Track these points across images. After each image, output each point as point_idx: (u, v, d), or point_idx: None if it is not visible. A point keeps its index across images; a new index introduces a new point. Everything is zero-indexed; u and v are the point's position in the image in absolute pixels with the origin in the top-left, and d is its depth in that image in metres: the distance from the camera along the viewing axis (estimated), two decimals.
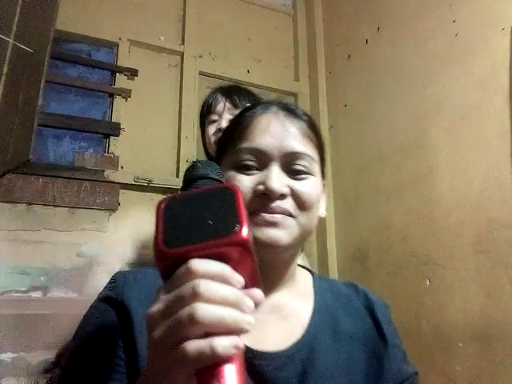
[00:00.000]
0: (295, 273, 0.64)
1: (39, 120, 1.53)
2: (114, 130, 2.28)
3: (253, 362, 0.54)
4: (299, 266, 0.67)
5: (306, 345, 0.57)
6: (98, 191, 2.10)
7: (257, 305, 0.34)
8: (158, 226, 0.34)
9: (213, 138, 1.26)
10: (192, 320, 0.29)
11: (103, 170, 2.16)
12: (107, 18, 2.43)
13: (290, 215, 0.55)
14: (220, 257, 0.32)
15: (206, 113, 1.30)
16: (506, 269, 1.57)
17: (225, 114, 1.27)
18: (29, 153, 1.45)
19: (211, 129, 1.28)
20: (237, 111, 1.26)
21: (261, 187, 0.55)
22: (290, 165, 0.58)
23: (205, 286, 0.30)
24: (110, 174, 2.16)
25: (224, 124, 1.25)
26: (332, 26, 2.91)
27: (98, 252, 2.01)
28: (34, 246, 1.92)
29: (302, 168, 0.58)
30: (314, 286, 0.66)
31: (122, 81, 2.38)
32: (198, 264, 0.31)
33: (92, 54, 2.47)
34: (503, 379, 1.52)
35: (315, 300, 0.63)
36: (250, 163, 0.57)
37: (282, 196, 0.55)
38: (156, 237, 0.34)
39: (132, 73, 2.41)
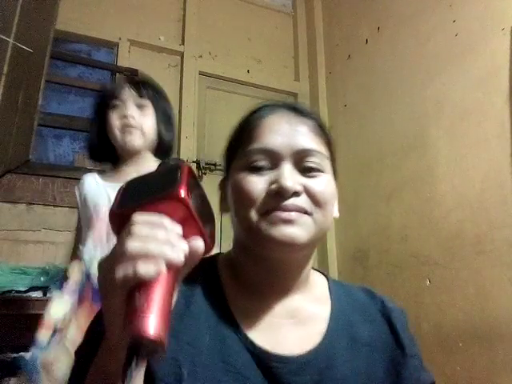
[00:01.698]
0: (310, 276, 0.63)
1: (39, 120, 1.53)
2: None
3: (268, 364, 0.54)
4: (313, 269, 0.66)
5: (324, 352, 0.57)
6: None
7: (197, 253, 0.40)
8: (116, 198, 0.42)
9: (117, 123, 1.23)
10: (122, 253, 0.36)
11: (103, 170, 2.16)
12: (107, 18, 2.43)
13: (306, 212, 0.55)
14: (160, 211, 0.39)
15: (108, 97, 1.26)
16: (506, 269, 1.57)
17: (129, 102, 1.25)
18: (29, 153, 1.45)
19: (114, 114, 1.24)
20: (141, 100, 1.25)
21: (274, 186, 0.54)
22: (302, 162, 0.57)
23: (136, 229, 0.37)
24: None
25: (130, 111, 1.23)
26: (332, 26, 2.91)
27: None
28: (34, 246, 1.92)
29: (314, 165, 0.57)
30: (330, 291, 0.65)
31: None
32: (138, 216, 0.38)
33: (92, 53, 2.47)
34: (503, 379, 1.52)
35: (332, 305, 0.62)
36: (262, 164, 0.57)
37: (296, 193, 0.54)
38: (111, 205, 0.41)
39: (132, 73, 2.40)
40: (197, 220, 0.41)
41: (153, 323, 0.34)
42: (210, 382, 0.51)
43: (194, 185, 0.42)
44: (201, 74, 2.64)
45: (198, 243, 0.40)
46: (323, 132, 0.62)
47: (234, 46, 2.81)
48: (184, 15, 2.66)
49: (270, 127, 0.59)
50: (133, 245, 0.37)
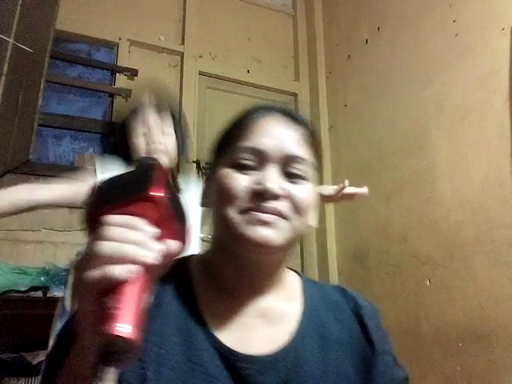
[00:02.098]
0: (284, 275, 0.63)
1: (39, 120, 1.53)
2: (114, 130, 2.28)
3: (235, 364, 0.54)
4: (288, 268, 0.66)
5: (292, 351, 0.57)
6: None
7: (172, 254, 0.41)
8: (90, 199, 0.42)
9: (142, 149, 1.29)
10: (95, 254, 0.37)
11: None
12: (107, 18, 2.43)
13: (284, 217, 0.55)
14: (135, 213, 0.39)
15: (137, 123, 1.32)
16: (506, 269, 1.57)
17: (155, 129, 1.31)
18: (29, 153, 1.45)
19: (141, 140, 1.30)
20: (165, 128, 1.31)
21: (257, 186, 0.55)
22: (288, 168, 0.58)
23: (110, 231, 0.38)
24: None
25: (156, 138, 1.29)
26: (332, 26, 2.91)
27: None
28: (34, 246, 1.92)
29: (300, 172, 0.58)
30: (303, 290, 0.65)
31: (121, 81, 2.38)
32: (112, 217, 0.38)
33: (92, 53, 2.47)
34: (503, 379, 1.52)
35: (304, 304, 0.62)
36: (248, 162, 0.57)
37: (277, 197, 0.55)
38: (86, 205, 0.41)
39: (132, 73, 2.41)
40: (171, 221, 0.41)
41: (125, 323, 0.35)
42: (176, 382, 0.51)
43: (169, 185, 0.42)
44: (201, 74, 2.64)
45: (172, 244, 0.41)
46: (314, 142, 0.62)
47: (234, 46, 2.81)
48: (184, 15, 2.66)
49: (263, 128, 0.59)
50: (105, 246, 0.37)
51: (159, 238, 0.40)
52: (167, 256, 0.40)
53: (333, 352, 0.59)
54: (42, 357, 1.66)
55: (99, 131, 2.29)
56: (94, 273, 0.37)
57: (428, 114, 2.01)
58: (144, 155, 1.32)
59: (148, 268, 0.38)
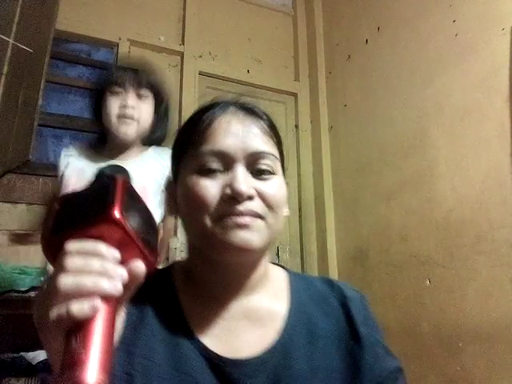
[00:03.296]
0: (268, 273, 0.62)
1: (39, 120, 1.53)
2: None
3: (223, 369, 0.53)
4: (272, 263, 0.65)
5: (280, 349, 0.56)
6: None
7: (137, 275, 0.38)
8: (48, 221, 0.39)
9: (115, 110, 1.22)
10: (54, 290, 0.34)
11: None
12: (107, 18, 2.43)
13: (259, 216, 0.54)
14: (95, 236, 0.37)
15: (110, 82, 1.26)
16: (506, 269, 1.57)
17: (130, 92, 1.25)
18: (29, 153, 1.45)
19: (114, 100, 1.23)
20: (142, 91, 1.26)
21: (228, 191, 0.53)
22: (254, 165, 0.56)
23: (69, 261, 0.35)
24: None
25: (130, 101, 1.22)
26: (332, 26, 2.91)
27: None
28: (33, 246, 1.92)
29: (267, 167, 0.57)
30: (290, 284, 0.64)
31: None
32: (71, 245, 0.36)
33: (92, 53, 2.47)
34: (503, 379, 1.52)
35: (291, 300, 0.61)
36: (214, 166, 0.55)
37: (250, 198, 0.54)
38: (44, 229, 0.39)
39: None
40: (135, 240, 0.38)
41: (91, 369, 0.32)
42: None
43: (131, 200, 0.40)
44: (201, 74, 2.64)
45: (138, 265, 0.38)
46: (274, 132, 0.61)
47: (233, 46, 2.81)
48: (184, 15, 2.66)
49: (221, 127, 0.57)
50: (65, 281, 0.35)
51: (123, 261, 0.38)
52: (134, 278, 0.38)
53: (321, 347, 0.58)
54: (41, 357, 1.66)
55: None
56: (55, 312, 0.34)
57: (428, 114, 2.01)
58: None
59: (113, 298, 0.36)
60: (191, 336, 0.55)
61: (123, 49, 2.44)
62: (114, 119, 1.24)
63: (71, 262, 0.35)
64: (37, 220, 1.95)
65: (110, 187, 0.39)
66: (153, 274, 0.59)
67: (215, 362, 0.53)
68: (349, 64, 2.67)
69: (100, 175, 0.45)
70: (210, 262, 0.57)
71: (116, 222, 0.36)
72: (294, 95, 2.95)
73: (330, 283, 0.66)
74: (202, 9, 2.73)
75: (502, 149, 1.64)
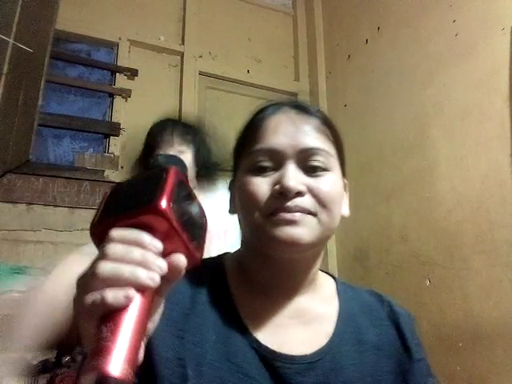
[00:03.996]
0: (318, 277, 0.63)
1: (39, 120, 1.53)
2: (114, 129, 2.28)
3: (274, 364, 0.53)
4: (321, 271, 0.65)
5: (330, 353, 0.56)
6: (97, 191, 2.10)
7: (178, 269, 0.38)
8: (99, 209, 0.39)
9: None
10: (93, 275, 0.34)
11: (103, 170, 2.16)
12: (107, 18, 2.43)
13: (310, 213, 0.54)
14: (141, 225, 0.36)
15: (154, 142, 1.39)
16: (506, 269, 1.57)
17: (170, 150, 1.37)
18: (29, 153, 1.45)
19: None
20: (181, 147, 1.37)
21: (277, 187, 0.54)
22: (306, 162, 0.56)
23: (111, 248, 0.35)
24: (110, 174, 2.16)
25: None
26: (332, 26, 2.91)
27: None
28: (34, 246, 1.92)
29: (319, 164, 0.57)
30: (338, 292, 0.64)
31: (121, 81, 2.38)
32: (115, 232, 0.36)
33: (92, 53, 2.47)
34: (503, 379, 1.52)
35: (339, 307, 0.62)
36: (265, 164, 0.56)
37: (300, 194, 0.54)
38: (93, 218, 0.39)
39: (132, 73, 2.41)
40: (180, 233, 0.37)
41: (116, 360, 0.32)
42: (215, 382, 0.51)
43: (181, 192, 0.39)
44: (201, 74, 2.64)
45: (180, 259, 0.38)
46: (329, 129, 0.61)
47: (233, 46, 2.81)
48: (184, 15, 2.66)
49: (273, 127, 0.58)
50: (104, 267, 0.35)
51: (166, 253, 0.37)
52: (174, 272, 0.38)
53: (370, 356, 0.58)
54: (42, 357, 1.66)
55: (99, 131, 2.29)
56: (90, 297, 0.34)
57: (428, 114, 2.00)
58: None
59: (150, 290, 0.36)
60: (243, 328, 0.55)
61: (123, 49, 2.44)
62: None
63: (113, 249, 0.35)
64: (37, 220, 1.95)
65: (161, 177, 0.38)
66: (205, 263, 0.58)
67: (266, 356, 0.54)
68: (349, 64, 2.67)
69: (155, 165, 0.45)
70: (263, 258, 0.58)
71: (162, 213, 0.36)
72: (294, 95, 2.94)
73: (378, 296, 0.67)
74: (201, 9, 2.73)
75: (502, 149, 1.63)
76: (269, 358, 0.54)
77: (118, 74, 2.39)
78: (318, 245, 0.57)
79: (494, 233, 1.62)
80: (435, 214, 1.89)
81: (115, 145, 2.27)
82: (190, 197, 0.42)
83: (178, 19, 2.66)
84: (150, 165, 0.46)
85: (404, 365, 0.60)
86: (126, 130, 2.29)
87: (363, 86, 2.50)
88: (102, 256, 0.35)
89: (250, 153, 0.58)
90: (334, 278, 0.68)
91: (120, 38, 2.43)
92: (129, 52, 2.45)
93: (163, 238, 0.37)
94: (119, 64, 2.41)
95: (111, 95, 2.36)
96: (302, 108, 0.61)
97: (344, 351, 0.57)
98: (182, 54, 2.59)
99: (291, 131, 0.57)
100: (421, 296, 1.90)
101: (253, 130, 0.60)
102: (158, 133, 1.42)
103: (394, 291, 2.03)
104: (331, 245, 2.56)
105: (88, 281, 0.35)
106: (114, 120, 2.31)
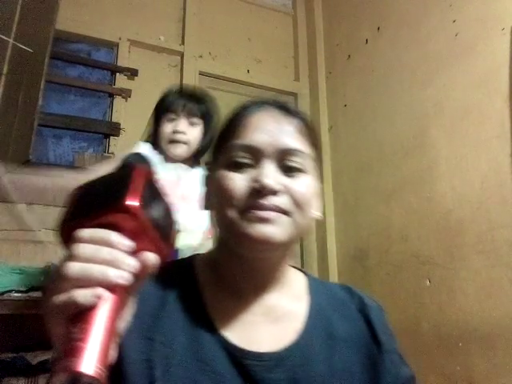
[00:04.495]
0: (288, 274, 0.63)
1: (39, 120, 1.53)
2: (114, 129, 2.28)
3: (242, 361, 0.54)
4: (292, 266, 0.66)
5: (299, 349, 0.57)
6: None
7: (148, 267, 0.38)
8: (67, 209, 0.39)
9: (167, 134, 1.39)
10: (62, 276, 0.34)
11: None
12: (107, 18, 2.43)
13: (285, 213, 0.54)
14: (110, 225, 0.36)
15: (165, 110, 1.43)
16: (506, 269, 1.57)
17: (182, 119, 1.41)
18: (29, 153, 1.45)
19: (168, 126, 1.40)
20: (193, 119, 1.42)
21: (254, 184, 0.54)
22: (285, 161, 0.56)
23: (80, 249, 0.35)
24: None
25: (181, 127, 1.39)
26: (332, 26, 2.91)
27: None
28: (34, 246, 1.92)
29: (297, 165, 0.57)
30: (309, 288, 0.65)
31: (122, 81, 2.38)
32: (83, 232, 0.36)
33: (92, 53, 2.47)
34: (503, 379, 1.52)
35: (310, 302, 0.62)
36: (243, 160, 0.56)
37: (276, 193, 0.54)
38: (60, 218, 0.38)
39: (132, 73, 2.40)
40: (149, 231, 0.38)
41: (88, 359, 0.32)
42: (184, 382, 0.51)
43: (149, 190, 0.39)
44: (201, 74, 2.64)
45: (150, 257, 0.38)
46: (310, 133, 0.61)
47: (233, 46, 2.81)
48: (184, 15, 2.66)
49: (255, 124, 0.58)
50: (73, 268, 0.35)
51: (135, 251, 0.37)
52: (145, 270, 0.38)
53: (340, 350, 0.59)
54: (41, 357, 1.66)
55: (99, 131, 2.29)
56: (59, 297, 0.34)
57: (428, 114, 2.00)
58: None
59: (120, 288, 0.36)
60: (212, 327, 0.55)
61: (123, 49, 2.44)
62: (166, 142, 1.41)
63: (81, 249, 0.35)
64: (37, 220, 1.95)
65: (129, 176, 0.38)
66: (175, 264, 0.58)
67: (234, 354, 0.54)
68: (349, 64, 2.67)
69: (123, 164, 0.44)
70: (235, 256, 0.58)
71: (130, 211, 0.36)
72: (294, 95, 2.95)
73: (349, 290, 0.67)
74: (201, 9, 2.73)
75: (502, 149, 1.63)
76: (237, 356, 0.54)
77: (118, 73, 2.39)
78: (289, 244, 0.58)
79: (494, 233, 1.62)
80: (435, 213, 1.89)
81: (115, 145, 2.27)
82: (159, 194, 0.42)
83: (177, 19, 2.66)
84: (120, 165, 0.46)
85: (374, 357, 0.60)
86: (126, 130, 2.29)
87: (363, 86, 2.50)
88: (71, 257, 0.35)
89: (228, 148, 0.58)
90: (305, 273, 0.68)
91: (120, 38, 2.43)
92: (129, 52, 2.45)
93: (132, 237, 0.37)
94: (119, 64, 2.41)
95: (111, 95, 2.36)
96: (285, 108, 0.61)
97: (314, 346, 0.58)
98: (181, 54, 2.59)
99: (272, 130, 0.57)
100: (421, 296, 1.90)
101: (234, 125, 0.59)
102: (175, 99, 1.44)
103: (394, 291, 2.03)
104: (331, 245, 2.56)
105: (57, 282, 0.35)
106: (114, 120, 2.31)
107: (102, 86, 2.40)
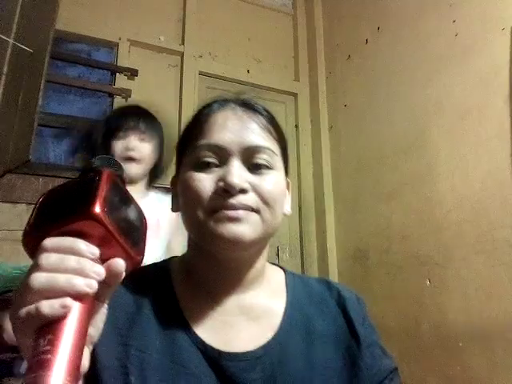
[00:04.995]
0: (265, 270, 0.62)
1: (39, 120, 1.52)
2: None
3: (219, 362, 0.53)
4: (270, 263, 0.65)
5: (276, 346, 0.56)
6: None
7: (117, 274, 0.37)
8: (31, 217, 0.38)
9: (119, 153, 1.34)
10: (27, 288, 0.33)
11: None
12: (107, 18, 2.43)
13: (253, 210, 0.54)
14: (76, 232, 0.35)
15: (113, 128, 1.38)
16: (506, 269, 1.57)
17: (131, 136, 1.36)
18: (29, 153, 1.45)
19: (118, 144, 1.35)
20: (142, 135, 1.36)
21: (221, 183, 0.53)
22: (251, 159, 0.56)
23: (45, 259, 0.34)
24: None
25: (132, 144, 1.34)
26: (332, 26, 2.91)
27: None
28: None
29: (263, 162, 0.56)
30: (287, 284, 0.64)
31: (121, 81, 2.38)
32: (48, 241, 0.35)
33: (92, 53, 2.47)
34: (503, 379, 1.52)
35: (287, 298, 0.62)
36: (209, 160, 0.56)
37: (243, 191, 0.53)
38: (25, 227, 0.37)
39: (132, 73, 2.40)
40: (116, 237, 0.36)
41: (57, 372, 0.31)
42: None
43: (116, 194, 0.38)
44: (201, 74, 2.64)
45: (117, 263, 0.37)
46: (274, 128, 0.60)
47: (233, 46, 2.81)
48: (184, 15, 2.66)
49: (219, 123, 0.58)
50: (38, 278, 0.33)
51: (105, 258, 0.36)
52: (114, 277, 0.37)
53: (318, 346, 0.58)
54: None
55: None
56: (25, 310, 0.33)
57: (428, 114, 2.01)
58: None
59: (88, 297, 0.35)
60: (188, 329, 0.55)
61: (123, 49, 2.44)
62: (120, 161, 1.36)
63: (46, 259, 0.34)
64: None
65: (94, 181, 0.37)
66: (150, 268, 0.58)
67: (211, 355, 0.53)
68: (349, 64, 2.67)
69: (88, 168, 0.43)
70: (206, 256, 0.57)
71: (96, 218, 0.35)
72: (294, 95, 2.95)
73: (326, 284, 0.66)
74: (201, 9, 2.73)
75: (502, 149, 1.64)
76: (213, 357, 0.53)
77: (118, 73, 2.39)
78: (261, 242, 0.57)
79: (494, 233, 1.62)
80: (435, 213, 1.89)
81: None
82: (127, 199, 0.41)
83: (177, 19, 2.66)
84: (84, 168, 0.45)
85: (354, 353, 0.59)
86: None
87: (363, 86, 2.50)
88: (36, 267, 0.34)
89: (194, 148, 0.57)
90: (284, 270, 0.68)
91: (120, 38, 2.43)
92: (129, 52, 2.45)
93: (100, 244, 0.36)
94: (119, 64, 2.41)
95: (111, 95, 2.36)
96: (248, 105, 0.61)
97: (292, 343, 0.57)
98: (181, 54, 2.59)
99: (237, 128, 0.57)
100: (421, 296, 1.90)
101: (198, 125, 0.59)
102: (122, 117, 1.40)
103: (394, 291, 2.03)
104: (331, 245, 2.56)
105: (23, 294, 0.34)
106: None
107: (102, 86, 2.40)
